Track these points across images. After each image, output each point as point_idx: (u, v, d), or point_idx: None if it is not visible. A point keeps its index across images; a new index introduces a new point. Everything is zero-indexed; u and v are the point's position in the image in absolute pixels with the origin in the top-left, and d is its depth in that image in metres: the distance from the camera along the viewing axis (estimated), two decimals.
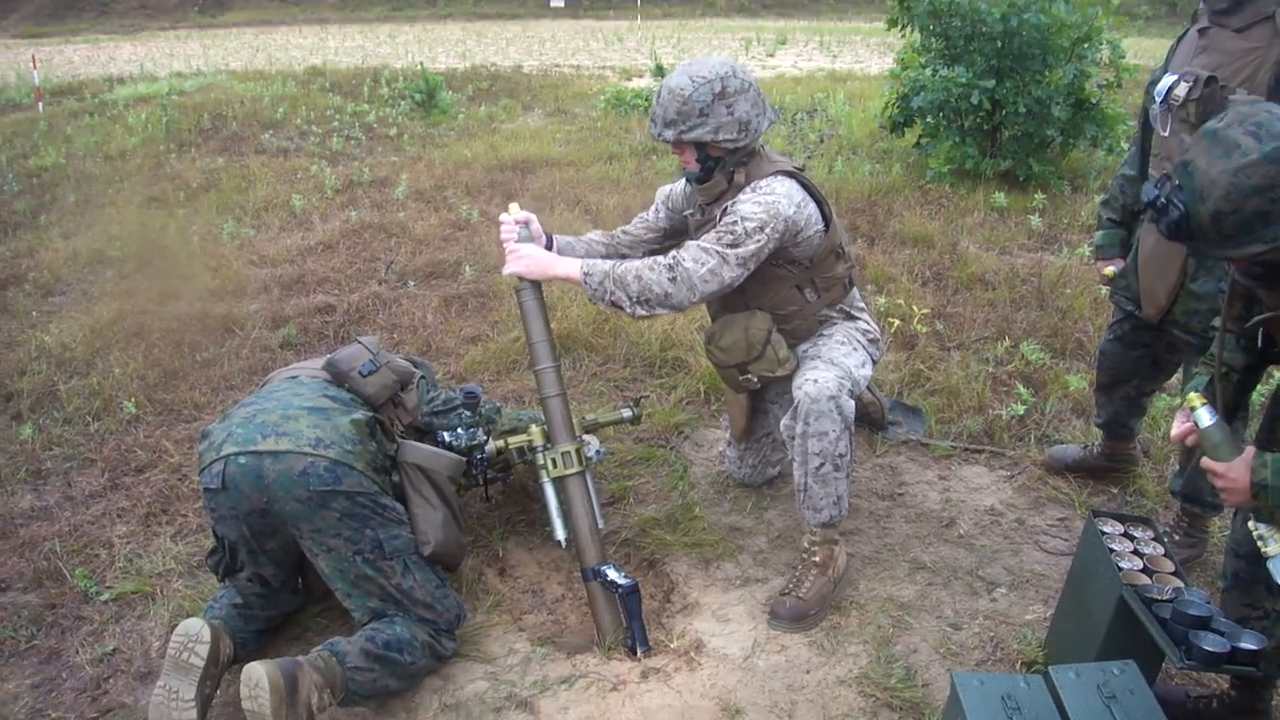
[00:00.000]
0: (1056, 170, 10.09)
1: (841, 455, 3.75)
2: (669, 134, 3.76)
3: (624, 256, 4.33)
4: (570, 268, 3.79)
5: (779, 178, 3.82)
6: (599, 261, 3.76)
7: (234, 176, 11.05)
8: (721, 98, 3.71)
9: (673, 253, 3.70)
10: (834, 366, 3.80)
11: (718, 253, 3.65)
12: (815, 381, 3.69)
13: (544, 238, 4.13)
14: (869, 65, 23.11)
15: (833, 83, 18.49)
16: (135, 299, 7.20)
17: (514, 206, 4.15)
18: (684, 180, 4.22)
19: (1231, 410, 3.09)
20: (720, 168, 3.87)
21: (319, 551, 3.40)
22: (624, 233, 4.40)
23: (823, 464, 3.74)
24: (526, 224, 4.09)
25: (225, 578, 3.66)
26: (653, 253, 4.28)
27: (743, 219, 3.67)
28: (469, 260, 7.79)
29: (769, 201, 3.71)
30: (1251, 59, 3.58)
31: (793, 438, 3.77)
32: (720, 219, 3.75)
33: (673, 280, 3.65)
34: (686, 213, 4.21)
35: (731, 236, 3.67)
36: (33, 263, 8.18)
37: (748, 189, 3.79)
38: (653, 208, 4.38)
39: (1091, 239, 4.52)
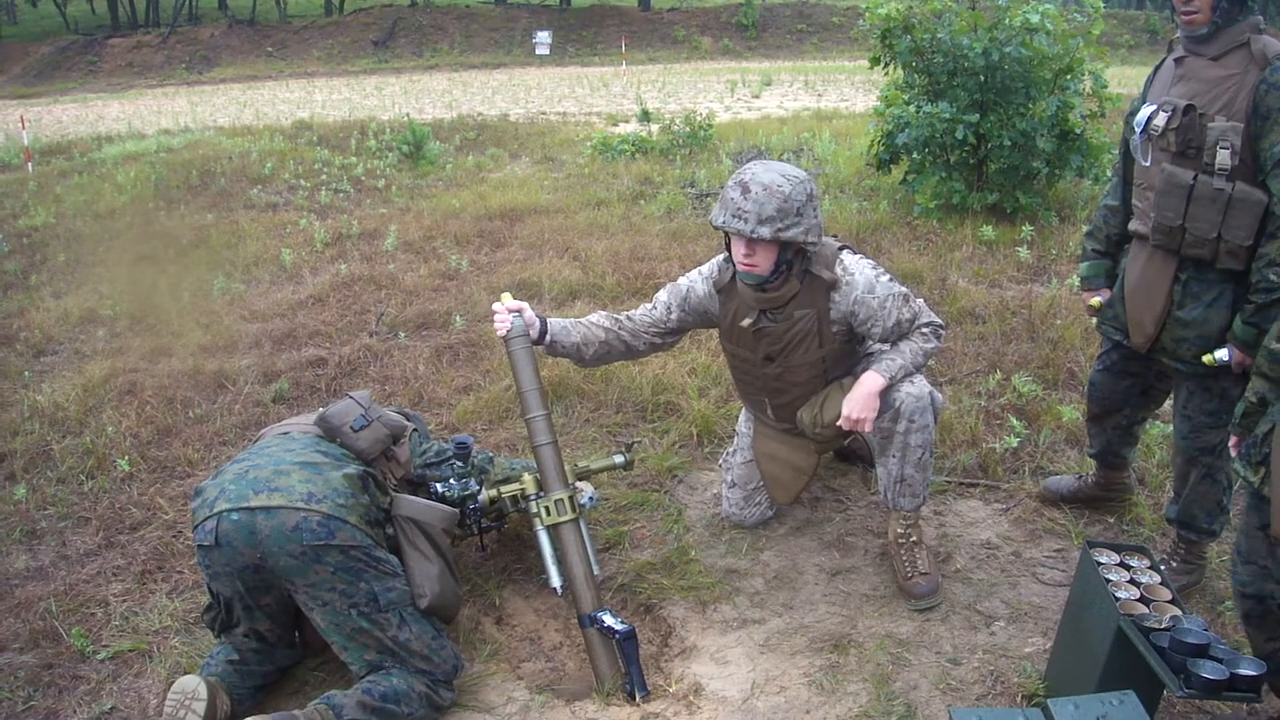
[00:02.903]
0: (1043, 201, 10.12)
1: (934, 442, 4.21)
2: (765, 231, 3.79)
3: (626, 344, 4.35)
4: (880, 380, 3.95)
5: (848, 253, 4.10)
6: (889, 362, 3.96)
7: (223, 232, 11.05)
8: (810, 200, 3.85)
9: (920, 325, 4.03)
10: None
11: (915, 301, 4.05)
12: (913, 382, 4.01)
13: (537, 324, 4.14)
14: (854, 103, 23.21)
15: (818, 121, 18.55)
16: (127, 357, 7.22)
17: (506, 296, 4.19)
18: (705, 283, 4.31)
19: None
20: (790, 270, 3.99)
21: (314, 606, 3.40)
22: (628, 319, 4.38)
23: (923, 453, 4.10)
24: (519, 312, 4.10)
25: (221, 634, 3.66)
26: (653, 345, 4.42)
27: (890, 296, 3.97)
28: (459, 310, 7.79)
29: (874, 271, 4.02)
30: (1228, 86, 3.60)
31: (889, 437, 4.09)
32: (876, 315, 3.98)
33: (939, 336, 4.08)
34: (743, 324, 4.18)
35: (907, 300, 4.01)
36: (24, 323, 8.18)
37: (844, 280, 3.99)
38: (663, 306, 4.37)
39: (1078, 271, 4.55)
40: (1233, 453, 3.32)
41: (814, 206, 3.86)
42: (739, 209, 3.81)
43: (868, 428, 3.92)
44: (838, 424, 3.97)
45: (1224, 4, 3.62)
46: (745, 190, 3.80)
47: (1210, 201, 3.61)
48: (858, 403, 3.88)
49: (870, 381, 3.91)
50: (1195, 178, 3.64)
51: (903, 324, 3.97)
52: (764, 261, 3.90)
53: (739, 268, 3.98)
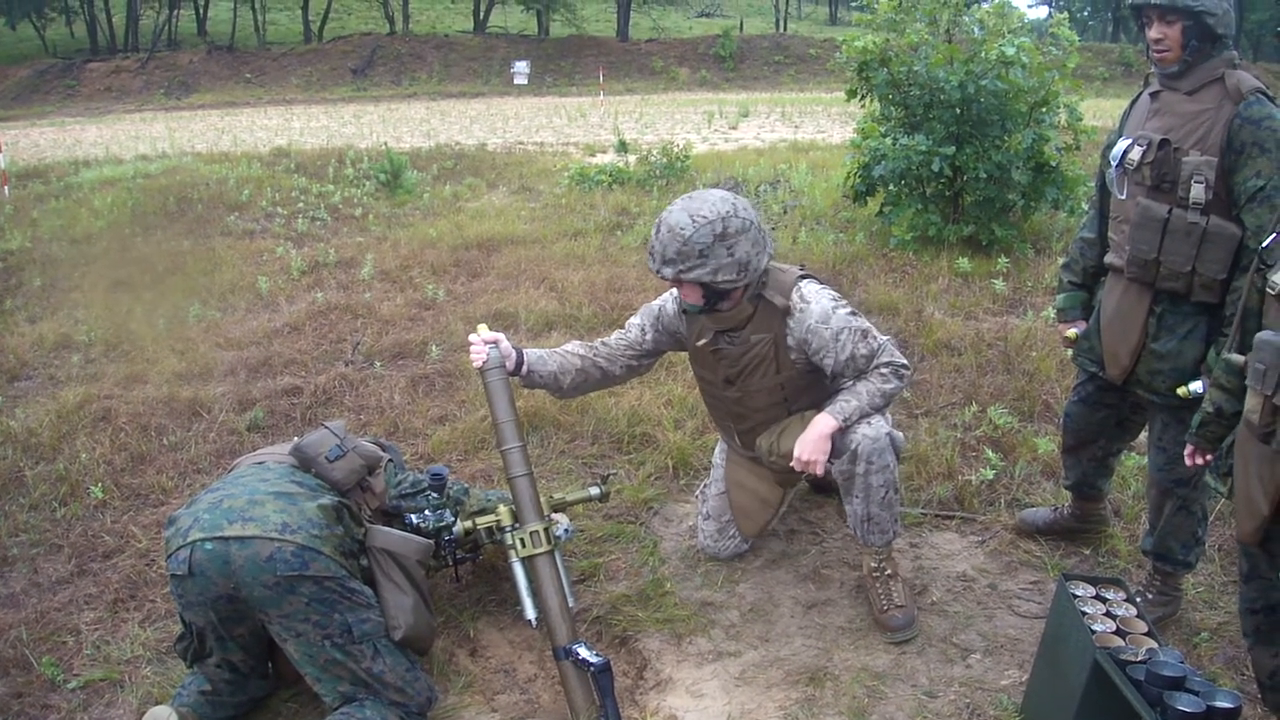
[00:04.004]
0: (1019, 234, 10.16)
1: (897, 479, 4.13)
2: (668, 272, 3.84)
3: (602, 370, 4.36)
4: (832, 422, 3.91)
5: (809, 282, 4.08)
6: (844, 404, 3.94)
7: (199, 259, 11.01)
8: (722, 239, 3.79)
9: (879, 364, 3.97)
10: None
11: (877, 339, 3.99)
12: (869, 423, 3.97)
13: (513, 355, 4.13)
14: (831, 135, 23.32)
15: (795, 153, 18.62)
16: (102, 383, 7.17)
17: (482, 328, 4.18)
18: (674, 302, 4.32)
19: None
20: (721, 301, 3.98)
21: (288, 637, 3.38)
22: (603, 344, 4.40)
23: (886, 492, 4.06)
24: (496, 344, 4.09)
25: (194, 664, 3.64)
26: (630, 368, 4.43)
27: (846, 329, 3.93)
28: (435, 340, 7.77)
29: (833, 303, 3.99)
30: (1203, 121, 3.65)
31: (850, 479, 4.02)
32: (829, 346, 3.96)
33: (900, 377, 4.00)
34: (699, 343, 4.22)
35: (866, 335, 3.97)
36: None
37: (798, 307, 3.99)
38: (636, 328, 4.40)
39: (1054, 302, 4.57)
40: (1188, 462, 3.36)
41: (728, 245, 3.80)
42: (651, 246, 3.92)
43: (819, 470, 3.91)
44: (791, 464, 3.96)
45: (1194, 42, 3.67)
46: (658, 229, 3.88)
47: (1185, 235, 3.64)
48: (807, 445, 3.88)
49: (821, 424, 3.90)
50: (1170, 211, 3.68)
51: (858, 359, 3.94)
52: (691, 294, 3.95)
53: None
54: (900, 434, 4.10)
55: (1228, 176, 3.60)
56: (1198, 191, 3.61)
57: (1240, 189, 3.57)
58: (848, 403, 3.92)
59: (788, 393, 4.16)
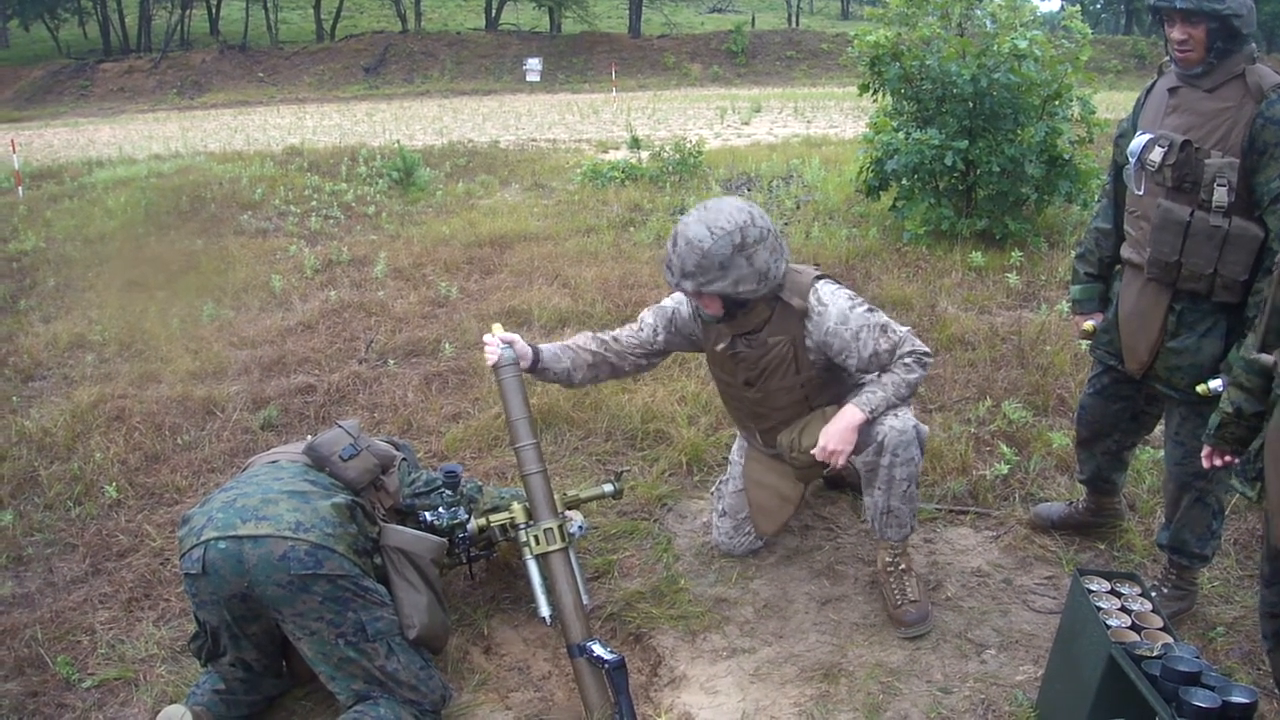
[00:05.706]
0: (1032, 227, 10.15)
1: (919, 473, 4.14)
2: (688, 285, 3.82)
3: (612, 365, 4.36)
4: (859, 414, 3.88)
5: (825, 283, 4.06)
6: (870, 396, 3.90)
7: (213, 258, 11.02)
8: (741, 249, 3.77)
9: (901, 355, 3.92)
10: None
11: (896, 332, 3.94)
12: (896, 415, 3.93)
13: (529, 354, 4.13)
14: (843, 130, 23.28)
15: (808, 148, 18.61)
16: (116, 383, 7.18)
17: (497, 327, 4.18)
18: (689, 304, 4.31)
19: None
20: (744, 308, 3.97)
21: (301, 635, 3.38)
22: (615, 340, 4.38)
23: (908, 485, 4.04)
24: (511, 344, 4.08)
25: (208, 663, 3.64)
26: (639, 366, 4.43)
27: (865, 327, 3.91)
28: (449, 337, 7.78)
29: (850, 302, 3.98)
30: (1224, 119, 3.58)
31: (874, 470, 4.02)
32: (850, 346, 3.94)
33: (924, 365, 3.96)
34: (717, 348, 4.21)
35: (885, 330, 3.92)
36: (12, 348, 8.15)
37: (816, 310, 3.98)
38: (650, 328, 4.38)
39: (1069, 294, 4.54)
40: (1205, 464, 3.32)
41: (748, 255, 3.78)
42: (668, 260, 3.87)
43: (841, 461, 3.88)
44: (814, 453, 3.94)
45: (1219, 45, 3.59)
46: (674, 242, 3.83)
47: (1207, 238, 3.59)
48: (834, 436, 3.85)
49: (848, 415, 3.87)
50: (1192, 214, 3.62)
51: (881, 355, 3.91)
52: (711, 305, 3.94)
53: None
54: (925, 427, 4.08)
55: (1250, 177, 3.54)
56: (1220, 195, 3.55)
57: (1263, 190, 3.52)
58: (874, 394, 3.89)
59: (808, 391, 4.15)
